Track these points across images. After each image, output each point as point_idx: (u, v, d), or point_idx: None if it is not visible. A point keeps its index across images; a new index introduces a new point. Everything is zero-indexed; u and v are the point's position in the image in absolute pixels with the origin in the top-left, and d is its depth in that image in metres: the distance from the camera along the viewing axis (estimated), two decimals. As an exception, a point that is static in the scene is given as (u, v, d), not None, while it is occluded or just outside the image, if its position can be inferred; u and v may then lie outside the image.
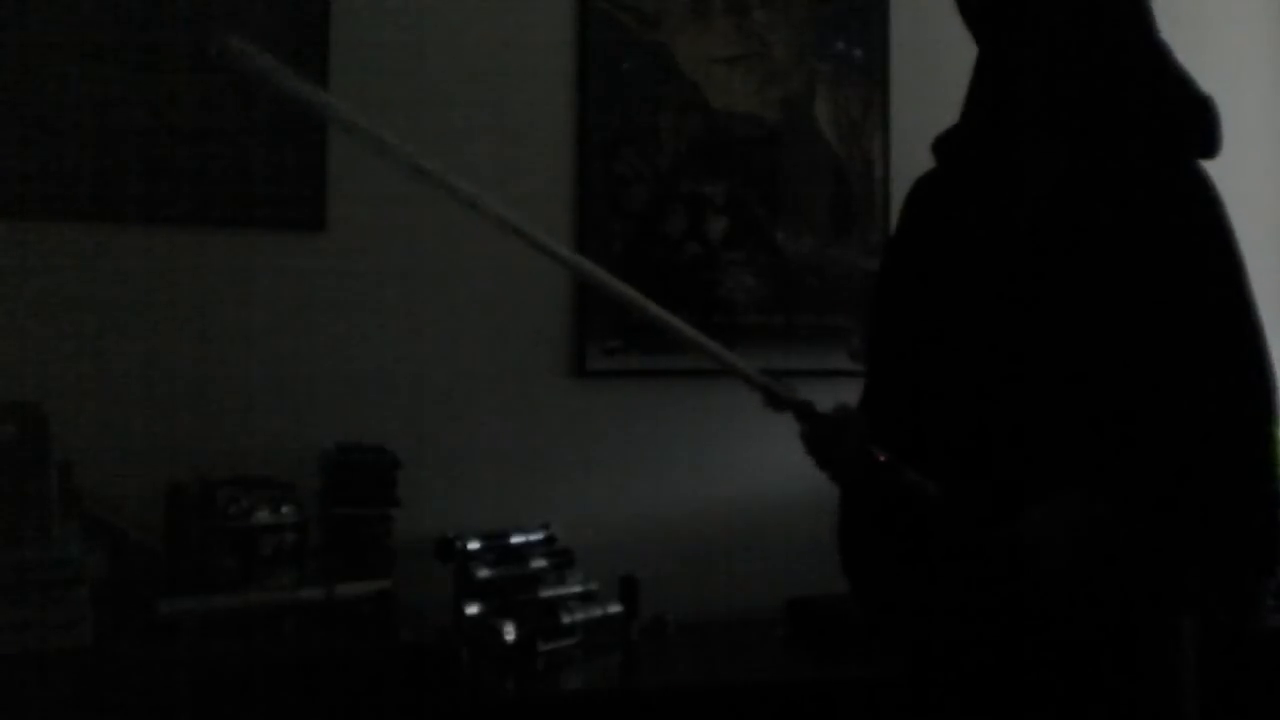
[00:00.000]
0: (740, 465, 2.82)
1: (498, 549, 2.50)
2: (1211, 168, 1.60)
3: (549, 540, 2.59)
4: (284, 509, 2.31)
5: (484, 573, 2.43)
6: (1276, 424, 1.51)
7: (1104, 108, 1.57)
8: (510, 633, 2.36)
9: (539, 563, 2.53)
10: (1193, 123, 1.57)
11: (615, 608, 2.56)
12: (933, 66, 2.91)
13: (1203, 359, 1.50)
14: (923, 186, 1.76)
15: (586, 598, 2.54)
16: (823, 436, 1.60)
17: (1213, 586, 1.51)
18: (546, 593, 2.50)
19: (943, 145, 1.73)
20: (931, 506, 1.57)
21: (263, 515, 2.29)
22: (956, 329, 1.61)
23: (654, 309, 1.63)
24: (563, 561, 2.56)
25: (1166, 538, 1.48)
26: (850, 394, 1.72)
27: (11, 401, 2.13)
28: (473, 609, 2.40)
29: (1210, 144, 1.58)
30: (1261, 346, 1.52)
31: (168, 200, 2.49)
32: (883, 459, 1.57)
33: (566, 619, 2.46)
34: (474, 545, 2.46)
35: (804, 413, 1.61)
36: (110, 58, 2.45)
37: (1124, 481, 1.48)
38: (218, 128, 2.52)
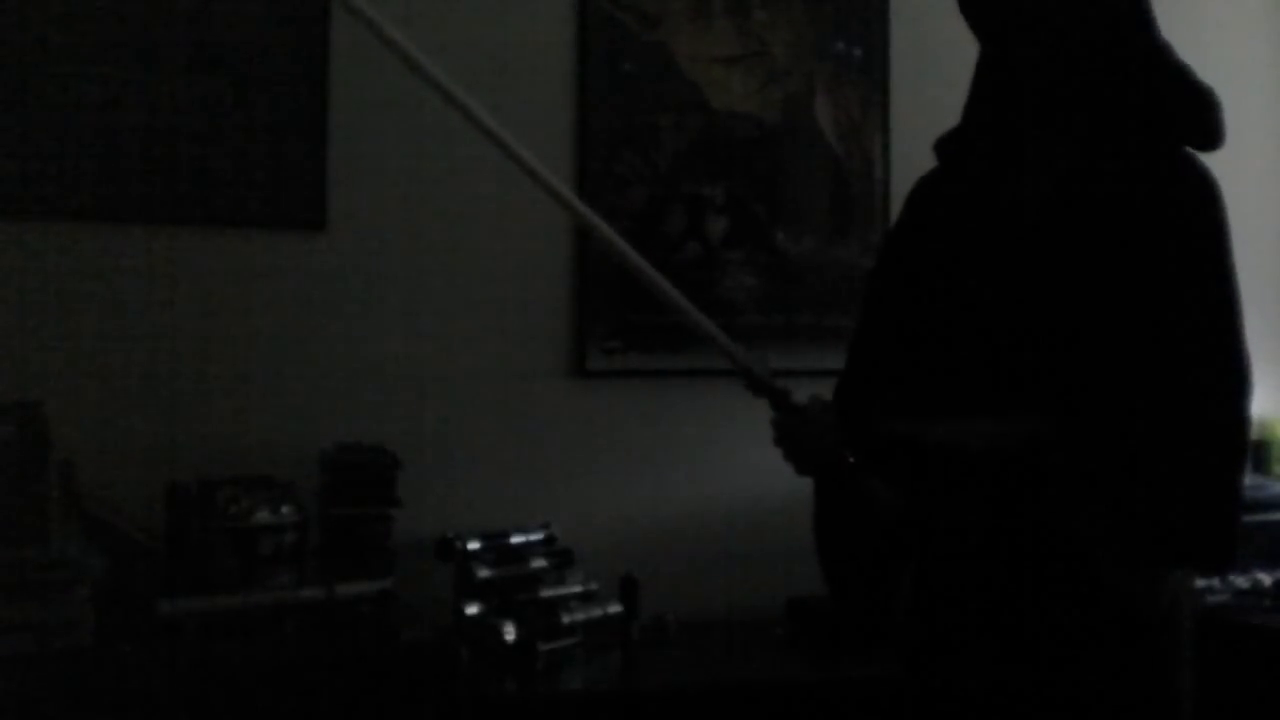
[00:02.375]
0: (740, 465, 2.82)
1: (498, 549, 2.49)
2: (1211, 165, 1.60)
3: (549, 540, 2.59)
4: (284, 509, 2.31)
5: (484, 573, 2.43)
6: (1245, 420, 1.53)
7: (1105, 104, 1.58)
8: (510, 633, 2.36)
9: (539, 563, 2.53)
10: (1193, 114, 1.58)
11: (615, 608, 2.56)
12: (933, 66, 2.92)
13: (1182, 354, 1.51)
14: (924, 186, 1.76)
15: (586, 598, 2.54)
16: (793, 427, 1.62)
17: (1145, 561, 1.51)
18: (546, 593, 2.50)
19: (944, 145, 1.73)
20: (890, 519, 1.59)
21: (263, 515, 2.29)
22: (953, 320, 1.62)
23: (652, 274, 1.66)
24: (563, 561, 2.56)
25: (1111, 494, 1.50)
26: (850, 394, 1.73)
27: (11, 401, 2.13)
28: (473, 609, 2.39)
29: (1212, 135, 1.58)
30: (1239, 346, 1.53)
31: (168, 200, 2.49)
32: (849, 462, 1.60)
33: (566, 619, 2.46)
34: (474, 545, 2.46)
35: (779, 401, 1.63)
36: (110, 58, 2.45)
37: (1091, 452, 1.50)
38: (218, 128, 2.52)
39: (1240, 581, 2.67)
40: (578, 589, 2.54)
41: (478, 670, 2.33)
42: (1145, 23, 1.60)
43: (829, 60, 3.01)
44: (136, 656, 2.04)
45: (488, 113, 1.66)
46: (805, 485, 1.74)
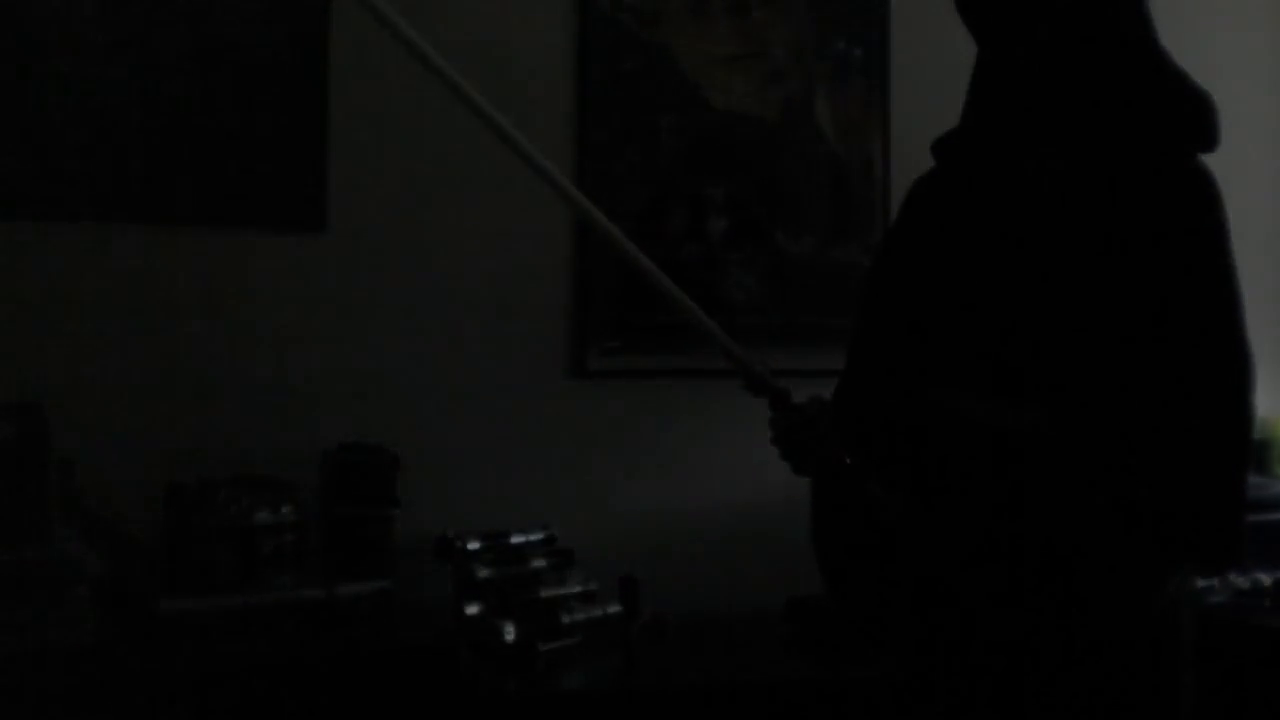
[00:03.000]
0: (740, 465, 2.82)
1: (498, 549, 2.49)
2: (1211, 165, 1.60)
3: (549, 540, 2.59)
4: (284, 509, 2.31)
5: (484, 573, 2.43)
6: (1249, 415, 1.53)
7: (1103, 105, 1.58)
8: (510, 633, 2.36)
9: (539, 563, 2.53)
10: (1191, 117, 1.58)
11: (615, 608, 2.55)
12: (933, 66, 2.91)
13: (1184, 351, 1.51)
14: (921, 186, 1.76)
15: (586, 598, 2.54)
16: (792, 427, 1.62)
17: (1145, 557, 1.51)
18: (546, 593, 2.50)
19: (942, 146, 1.73)
20: (888, 519, 1.59)
21: (263, 515, 2.29)
22: (954, 320, 1.62)
23: (651, 269, 1.66)
24: (563, 561, 2.56)
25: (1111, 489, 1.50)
26: (850, 394, 1.72)
27: (11, 401, 2.13)
28: (473, 609, 2.39)
29: (1209, 138, 1.58)
30: (1242, 342, 1.53)
31: (168, 200, 2.49)
32: (847, 463, 1.60)
33: (566, 619, 2.46)
34: (474, 545, 2.46)
35: (778, 401, 1.63)
36: (110, 58, 2.45)
37: (1093, 450, 1.50)
38: (218, 128, 2.52)
39: (1240, 581, 2.67)
40: (578, 589, 2.54)
41: (478, 670, 2.33)
42: (1142, 24, 1.60)
43: (829, 60, 3.00)
44: (136, 656, 2.04)
45: (489, 104, 1.65)
46: (805, 485, 1.74)
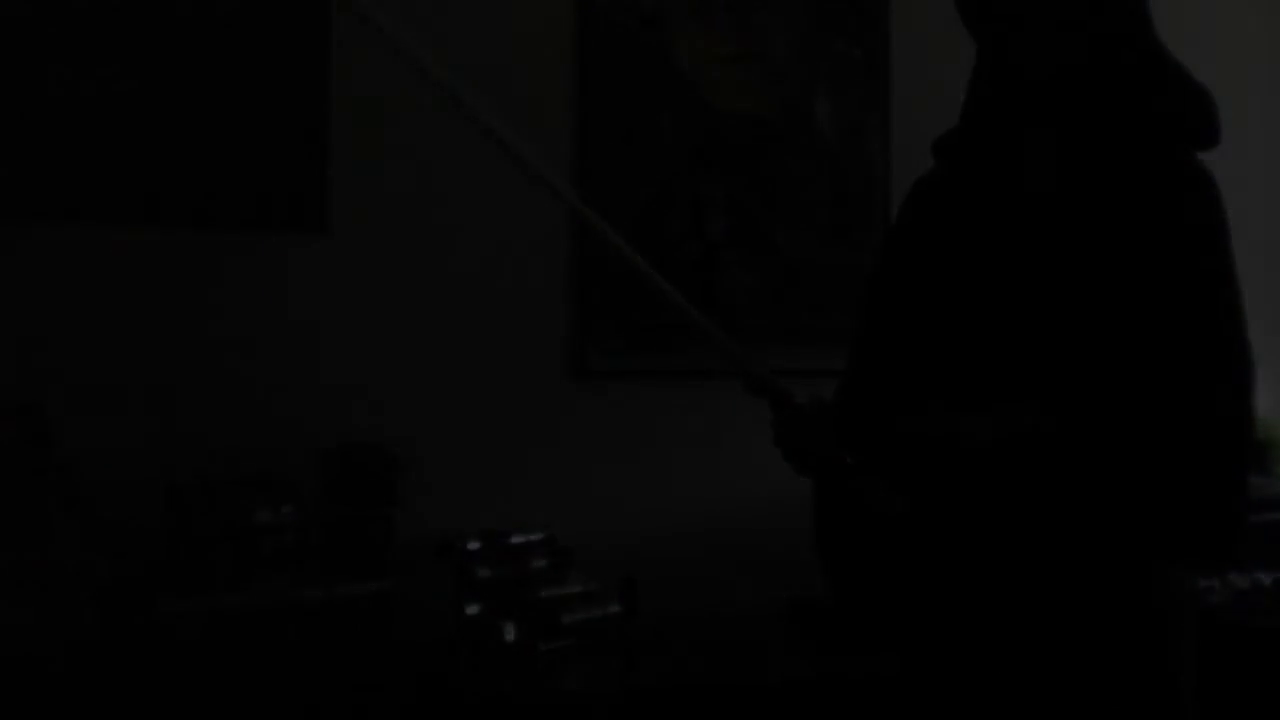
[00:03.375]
0: (740, 465, 2.82)
1: (498, 549, 2.50)
2: (1210, 164, 1.60)
3: (549, 540, 2.59)
4: (284, 509, 2.31)
5: (484, 573, 2.43)
6: (1249, 413, 1.53)
7: (1103, 103, 1.58)
8: (510, 633, 2.36)
9: (539, 563, 2.53)
10: (1192, 114, 1.58)
11: (615, 608, 2.56)
12: (933, 66, 2.92)
13: (1185, 349, 1.51)
14: (921, 186, 1.77)
15: (586, 598, 2.54)
16: (794, 428, 1.63)
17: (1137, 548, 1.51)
18: (546, 593, 2.50)
19: (942, 146, 1.74)
20: (891, 519, 1.59)
21: (263, 515, 2.29)
22: (955, 319, 1.62)
23: (651, 274, 1.66)
24: (563, 561, 2.56)
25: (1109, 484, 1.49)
26: (850, 394, 1.72)
27: (11, 401, 2.13)
28: (473, 609, 2.40)
29: (1210, 135, 1.59)
30: (1242, 340, 1.53)
31: (168, 200, 2.49)
32: (849, 463, 1.60)
33: (566, 619, 2.47)
34: (474, 545, 2.46)
35: (780, 401, 1.64)
36: (109, 57, 2.45)
37: (1093, 447, 1.50)
38: (217, 128, 2.52)
39: (1240, 581, 2.67)
40: (578, 589, 2.55)
41: (478, 670, 2.33)
42: (1141, 21, 1.60)
43: (829, 60, 3.01)
44: (136, 656, 2.04)
45: (485, 107, 1.66)
46: (805, 485, 1.74)
